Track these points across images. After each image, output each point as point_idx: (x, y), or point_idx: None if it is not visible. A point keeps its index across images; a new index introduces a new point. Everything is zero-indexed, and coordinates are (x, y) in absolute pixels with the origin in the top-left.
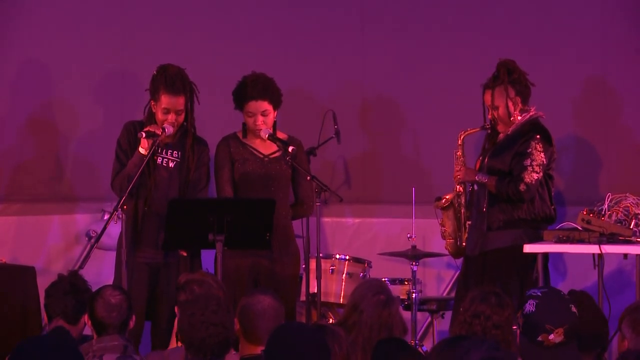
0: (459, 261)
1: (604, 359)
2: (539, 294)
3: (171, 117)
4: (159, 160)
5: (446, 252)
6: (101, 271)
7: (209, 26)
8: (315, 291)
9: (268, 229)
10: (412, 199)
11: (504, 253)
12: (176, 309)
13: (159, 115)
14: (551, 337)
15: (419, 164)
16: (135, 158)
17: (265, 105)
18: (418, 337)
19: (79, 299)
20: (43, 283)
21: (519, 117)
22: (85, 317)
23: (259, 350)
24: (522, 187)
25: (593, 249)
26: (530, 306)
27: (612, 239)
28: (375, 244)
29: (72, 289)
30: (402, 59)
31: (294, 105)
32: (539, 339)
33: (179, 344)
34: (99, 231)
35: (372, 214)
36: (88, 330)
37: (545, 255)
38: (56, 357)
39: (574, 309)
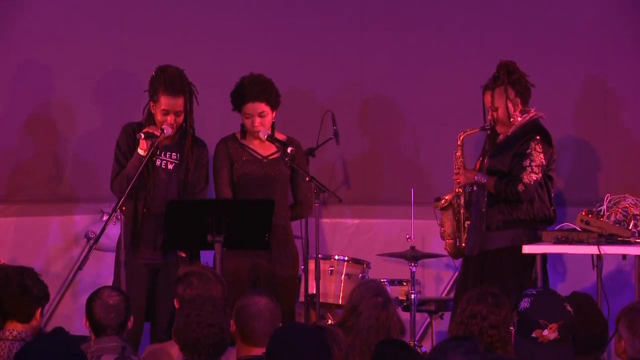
0: (458, 262)
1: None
2: (534, 292)
3: (170, 118)
4: (158, 162)
5: (445, 253)
6: (100, 272)
7: (209, 26)
8: (314, 292)
9: (267, 229)
10: (411, 200)
11: (503, 253)
12: (175, 301)
13: (158, 117)
14: (545, 332)
15: (418, 165)
16: (134, 159)
17: (263, 107)
18: (417, 338)
19: (31, 298)
20: None
21: (519, 118)
22: (38, 313)
23: (255, 351)
24: (520, 187)
25: (592, 249)
26: (524, 303)
27: (611, 239)
28: (374, 245)
29: (21, 290)
30: (402, 59)
31: (293, 105)
32: (533, 334)
33: None
34: (98, 232)
35: (371, 214)
36: (86, 331)
37: (544, 256)
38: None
39: (569, 308)
